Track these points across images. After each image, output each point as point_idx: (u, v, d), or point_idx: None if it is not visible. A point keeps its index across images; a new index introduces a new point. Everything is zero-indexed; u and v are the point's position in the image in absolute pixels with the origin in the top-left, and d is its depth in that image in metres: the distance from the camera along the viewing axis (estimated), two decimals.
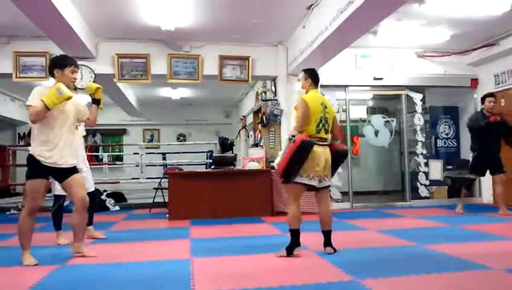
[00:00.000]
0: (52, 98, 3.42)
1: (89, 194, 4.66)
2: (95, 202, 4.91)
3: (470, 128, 6.31)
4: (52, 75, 3.72)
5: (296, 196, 3.77)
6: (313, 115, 3.78)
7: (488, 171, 6.33)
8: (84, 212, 3.78)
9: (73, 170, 3.75)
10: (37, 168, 3.58)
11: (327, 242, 3.85)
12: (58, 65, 3.70)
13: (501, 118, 6.06)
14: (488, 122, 5.99)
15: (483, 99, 6.38)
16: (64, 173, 3.69)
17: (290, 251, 3.72)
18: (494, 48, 7.39)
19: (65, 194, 4.47)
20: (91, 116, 3.99)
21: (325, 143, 3.86)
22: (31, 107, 3.47)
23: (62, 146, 3.64)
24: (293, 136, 3.72)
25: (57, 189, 4.45)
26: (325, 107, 3.89)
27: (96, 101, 3.99)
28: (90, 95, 3.99)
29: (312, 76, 4.04)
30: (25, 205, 3.69)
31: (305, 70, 4.10)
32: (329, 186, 3.92)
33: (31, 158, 3.58)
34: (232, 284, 2.90)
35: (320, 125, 3.81)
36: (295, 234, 3.74)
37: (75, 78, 3.78)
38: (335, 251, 3.81)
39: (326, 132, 3.88)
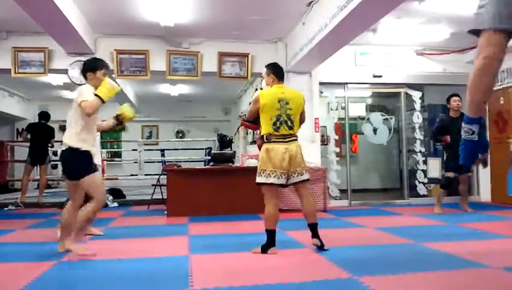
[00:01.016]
0: (105, 92, 3.66)
1: None
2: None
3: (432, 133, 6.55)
4: (85, 78, 3.89)
5: (270, 196, 3.76)
6: (267, 112, 3.79)
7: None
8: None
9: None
10: (91, 162, 3.68)
11: (314, 234, 3.86)
12: (90, 68, 3.85)
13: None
14: (440, 140, 6.32)
15: (448, 99, 6.41)
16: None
17: (264, 250, 3.72)
18: None
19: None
20: (103, 126, 4.23)
21: (289, 139, 3.81)
22: (85, 101, 3.61)
23: (96, 144, 3.92)
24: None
25: None
26: (287, 102, 3.83)
27: (119, 122, 4.21)
28: (119, 116, 4.16)
29: (275, 71, 4.05)
30: (96, 199, 3.67)
31: (268, 66, 4.12)
32: (306, 180, 3.89)
33: (85, 153, 3.65)
34: (230, 280, 2.90)
35: (278, 123, 3.78)
36: (270, 234, 3.73)
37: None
38: (322, 244, 3.80)
39: (290, 128, 3.82)
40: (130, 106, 4.33)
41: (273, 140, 3.76)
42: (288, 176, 3.79)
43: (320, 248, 3.80)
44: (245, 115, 4.07)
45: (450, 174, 6.24)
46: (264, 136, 3.79)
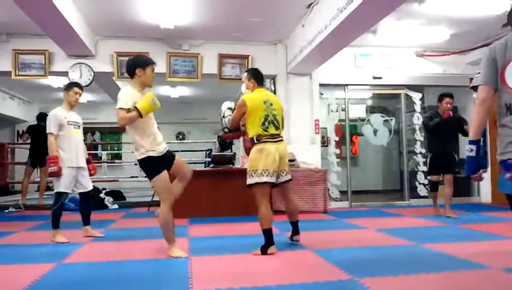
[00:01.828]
0: (147, 108, 3.55)
1: (85, 193, 4.70)
2: (91, 202, 4.91)
3: (424, 127, 6.26)
4: (132, 75, 3.77)
5: (263, 196, 3.82)
6: (255, 113, 3.89)
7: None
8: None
9: (173, 154, 3.87)
10: (156, 163, 3.65)
11: (296, 231, 4.12)
12: (140, 64, 3.76)
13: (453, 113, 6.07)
14: (442, 120, 5.89)
15: (440, 98, 6.08)
16: (170, 159, 3.81)
17: (264, 251, 3.75)
18: None
19: (68, 191, 4.50)
20: None
21: (278, 139, 3.94)
22: (122, 110, 3.53)
23: (158, 134, 3.79)
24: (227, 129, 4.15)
25: (60, 186, 4.45)
26: (271, 104, 3.96)
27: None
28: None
29: (255, 76, 4.13)
30: (162, 201, 3.69)
31: (248, 71, 4.23)
32: (290, 180, 4.08)
33: (148, 158, 3.63)
34: (231, 282, 2.90)
35: (266, 123, 3.89)
36: (268, 234, 3.77)
37: (153, 78, 3.84)
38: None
39: (277, 128, 3.95)
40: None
41: (263, 140, 3.86)
42: (277, 176, 3.90)
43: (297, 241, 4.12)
44: (225, 128, 4.13)
45: (435, 178, 6.15)
46: (254, 137, 3.88)
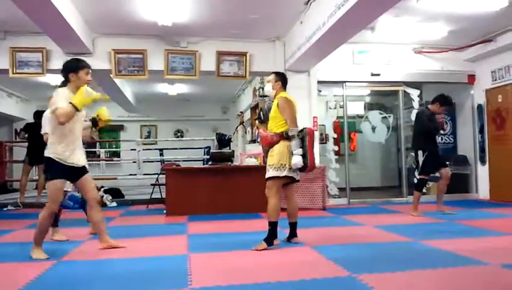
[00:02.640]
0: (81, 100, 3.54)
1: None
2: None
3: (427, 131, 5.93)
4: (66, 79, 3.77)
5: (277, 190, 3.98)
6: (296, 113, 4.10)
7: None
8: (99, 207, 3.93)
9: (85, 170, 3.85)
10: (57, 169, 3.62)
11: (293, 233, 4.17)
12: (72, 69, 3.76)
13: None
14: (441, 129, 6.11)
15: (444, 103, 6.01)
16: (79, 172, 3.78)
17: (270, 243, 3.88)
18: (492, 44, 7.40)
19: (67, 190, 4.49)
20: (83, 132, 4.07)
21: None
22: (59, 109, 3.50)
23: (79, 146, 3.78)
24: (301, 130, 3.98)
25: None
26: None
27: (95, 123, 4.18)
28: (95, 118, 4.18)
29: (284, 81, 4.27)
30: (47, 205, 3.67)
31: (277, 74, 4.29)
32: (298, 180, 4.18)
33: (52, 160, 3.62)
34: (230, 279, 2.91)
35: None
36: (274, 226, 3.92)
37: (90, 80, 3.82)
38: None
39: None
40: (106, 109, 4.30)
41: (286, 137, 3.99)
42: (296, 171, 4.07)
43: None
44: (301, 131, 4.01)
45: (427, 176, 6.03)
46: (284, 133, 3.99)
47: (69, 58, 4.07)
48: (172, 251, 3.95)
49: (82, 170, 3.80)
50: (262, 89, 8.21)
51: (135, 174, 9.63)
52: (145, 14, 6.29)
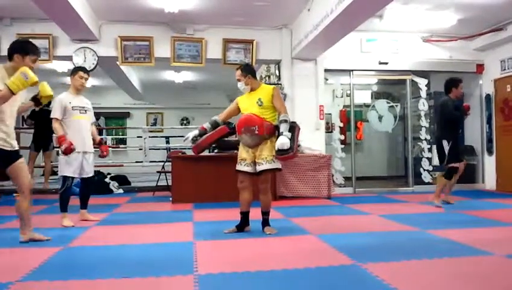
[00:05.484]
0: (17, 84, 3.25)
1: (87, 179, 4.73)
2: (92, 187, 4.97)
3: (453, 119, 5.75)
4: (10, 57, 3.49)
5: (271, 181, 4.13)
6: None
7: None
8: (29, 196, 3.67)
9: (19, 154, 3.66)
10: None
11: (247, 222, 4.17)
12: (20, 50, 3.47)
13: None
14: (467, 114, 5.90)
15: (456, 84, 5.76)
16: (12, 157, 3.59)
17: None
18: (501, 33, 7.29)
19: (74, 176, 4.52)
20: (23, 108, 3.97)
21: None
22: None
23: (12, 130, 3.62)
24: (293, 121, 3.97)
25: (65, 171, 4.48)
26: None
27: (37, 101, 3.94)
28: (37, 95, 3.92)
29: (251, 70, 4.15)
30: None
31: (242, 69, 4.08)
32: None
33: None
34: (235, 267, 2.93)
35: None
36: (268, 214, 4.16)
37: (32, 67, 3.48)
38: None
39: None
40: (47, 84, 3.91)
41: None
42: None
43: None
44: (293, 122, 3.97)
45: (457, 164, 5.80)
46: (275, 126, 3.98)
47: (19, 39, 3.82)
48: (178, 238, 3.98)
49: (15, 155, 3.60)
50: (269, 77, 8.18)
51: (141, 162, 9.66)
52: (152, 1, 6.26)
